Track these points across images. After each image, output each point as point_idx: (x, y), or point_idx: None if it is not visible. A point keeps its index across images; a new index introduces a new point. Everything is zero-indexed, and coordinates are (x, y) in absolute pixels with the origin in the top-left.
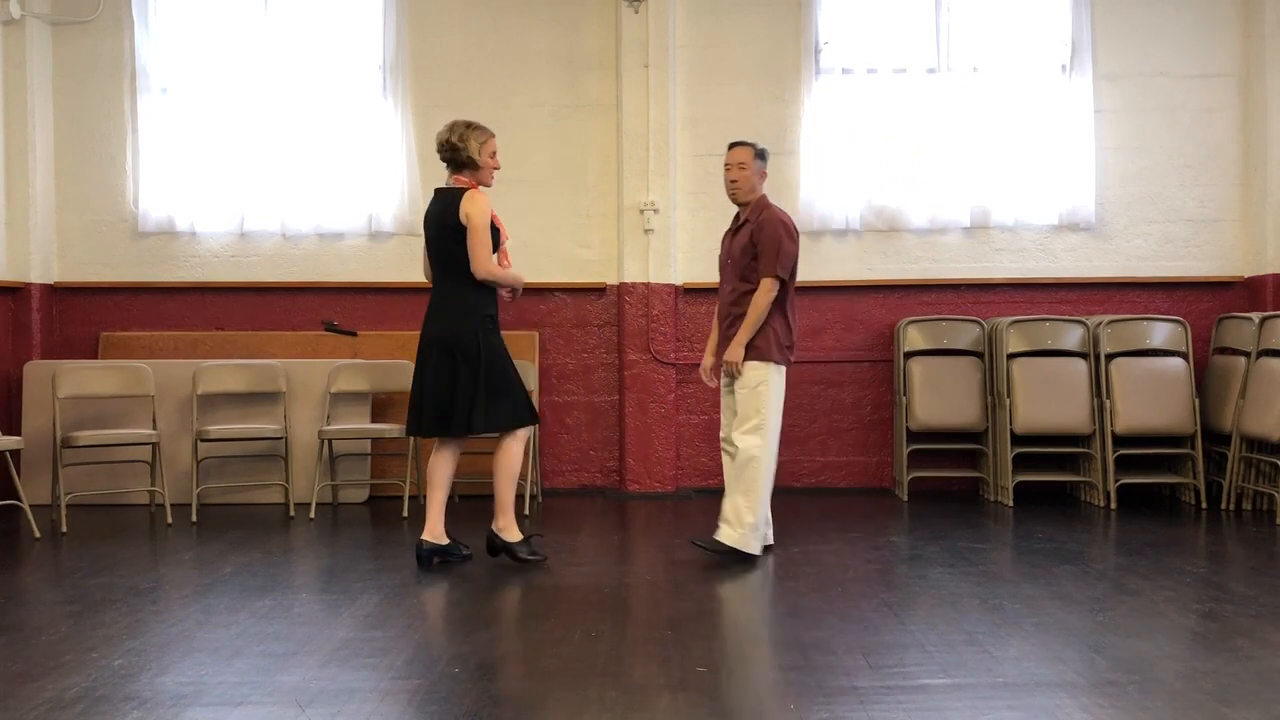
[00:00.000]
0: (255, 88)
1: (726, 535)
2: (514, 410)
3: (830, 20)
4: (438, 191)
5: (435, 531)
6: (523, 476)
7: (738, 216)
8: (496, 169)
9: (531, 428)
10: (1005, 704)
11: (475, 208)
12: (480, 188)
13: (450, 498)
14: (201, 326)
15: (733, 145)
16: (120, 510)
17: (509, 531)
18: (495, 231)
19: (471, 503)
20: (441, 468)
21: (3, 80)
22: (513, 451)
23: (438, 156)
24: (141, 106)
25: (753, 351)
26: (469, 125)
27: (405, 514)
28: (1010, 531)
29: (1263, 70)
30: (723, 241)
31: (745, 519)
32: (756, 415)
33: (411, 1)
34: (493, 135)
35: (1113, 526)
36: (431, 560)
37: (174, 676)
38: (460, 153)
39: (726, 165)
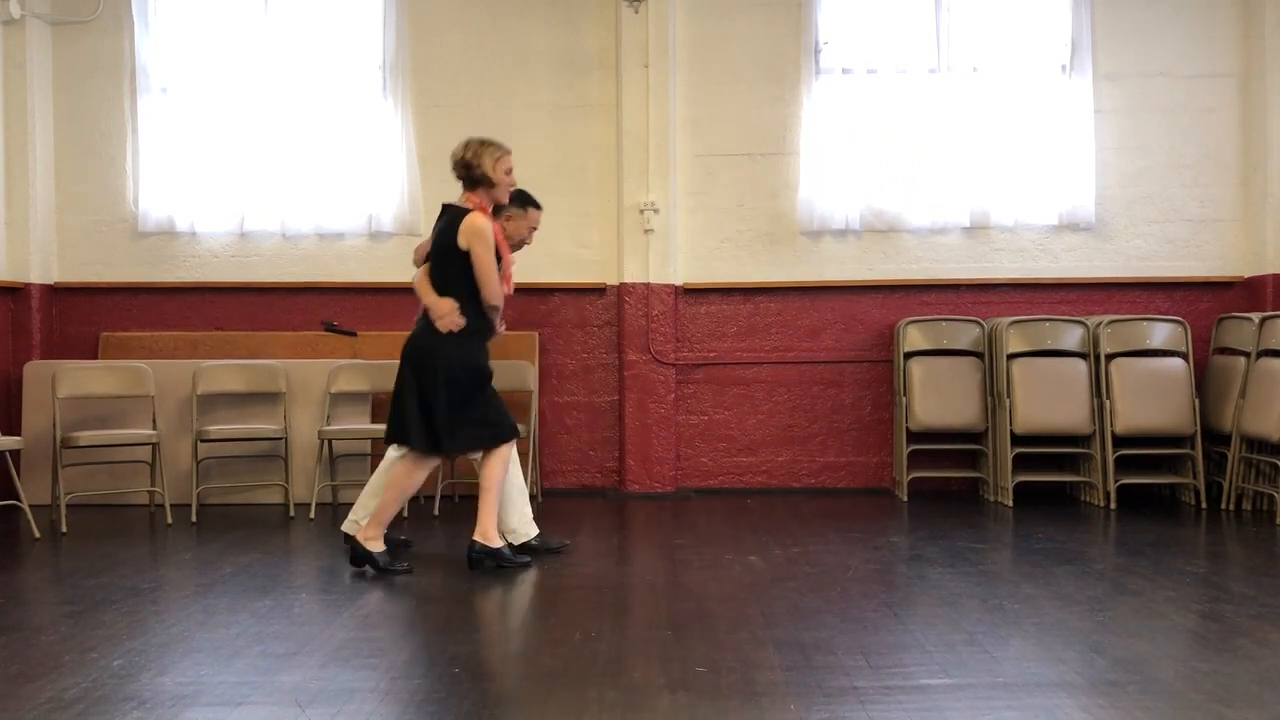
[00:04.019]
0: (255, 88)
1: None
2: (487, 433)
3: (830, 20)
4: (445, 207)
5: (487, 534)
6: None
7: None
8: (513, 186)
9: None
10: (1005, 704)
11: (478, 238)
12: (490, 206)
13: (449, 498)
14: (201, 326)
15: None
16: (120, 510)
17: (490, 539)
18: (498, 256)
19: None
20: (491, 467)
21: (3, 80)
22: (493, 466)
23: (436, 161)
24: (141, 106)
25: None
26: (483, 143)
27: (405, 514)
28: (1010, 531)
29: (1263, 70)
30: None
31: None
32: None
33: (411, 1)
34: (508, 152)
35: (1113, 526)
36: (482, 564)
37: (174, 676)
38: (474, 170)
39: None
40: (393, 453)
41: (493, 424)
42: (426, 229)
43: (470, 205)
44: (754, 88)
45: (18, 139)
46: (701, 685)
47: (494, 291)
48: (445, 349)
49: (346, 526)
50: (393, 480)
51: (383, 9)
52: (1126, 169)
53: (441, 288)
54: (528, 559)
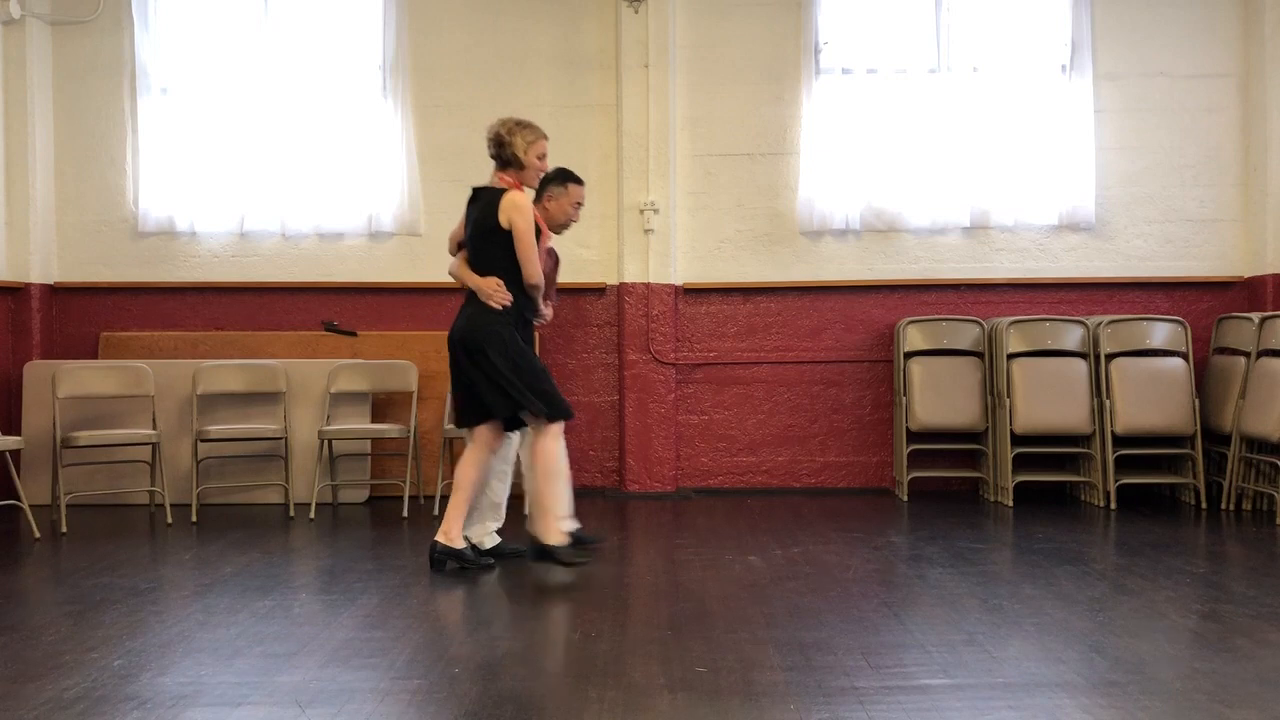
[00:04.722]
0: (255, 88)
1: None
2: (543, 399)
3: (830, 20)
4: (477, 190)
5: (450, 534)
6: (521, 476)
7: None
8: (543, 172)
9: (562, 422)
10: (1005, 704)
11: (519, 214)
12: (523, 187)
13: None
14: (201, 326)
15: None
16: (120, 510)
17: (550, 535)
18: (537, 233)
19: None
20: (465, 468)
21: (3, 80)
22: (547, 448)
23: (436, 161)
24: (141, 106)
25: None
26: (519, 123)
27: (405, 514)
28: (1010, 531)
29: (1263, 70)
30: None
31: None
32: None
33: (411, 1)
34: (544, 137)
35: (1113, 526)
36: (444, 565)
37: (174, 676)
38: (505, 149)
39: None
40: (470, 448)
41: (552, 397)
42: (426, 229)
43: (504, 185)
44: (754, 88)
45: (18, 139)
46: (701, 685)
47: (535, 270)
48: (495, 328)
49: (473, 535)
50: (535, 469)
51: (383, 9)
52: (1126, 169)
53: (482, 271)
54: (491, 561)
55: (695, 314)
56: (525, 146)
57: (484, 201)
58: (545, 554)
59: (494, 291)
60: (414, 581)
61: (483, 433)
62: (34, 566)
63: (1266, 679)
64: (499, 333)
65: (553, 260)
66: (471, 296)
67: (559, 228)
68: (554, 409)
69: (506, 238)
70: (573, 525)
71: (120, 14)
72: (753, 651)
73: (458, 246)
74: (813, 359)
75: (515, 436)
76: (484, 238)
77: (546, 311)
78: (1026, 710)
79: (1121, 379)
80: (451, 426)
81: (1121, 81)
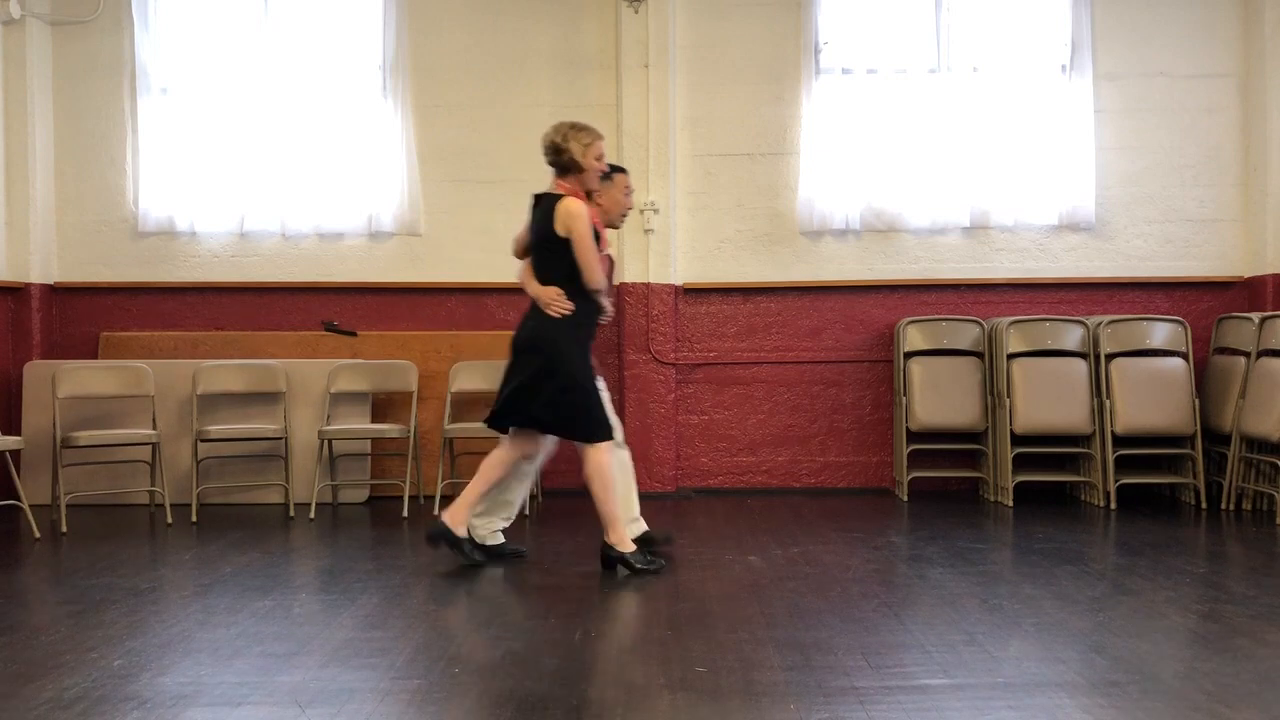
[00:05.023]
0: (255, 88)
1: None
2: (587, 421)
3: (830, 20)
4: (537, 197)
5: (456, 518)
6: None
7: None
8: (603, 172)
9: (609, 442)
10: (1005, 704)
11: (575, 220)
12: (582, 192)
13: (449, 498)
14: (201, 326)
15: None
16: (120, 510)
17: (622, 544)
18: (596, 237)
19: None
20: (492, 466)
21: (3, 80)
22: (597, 462)
23: (436, 161)
24: (141, 106)
25: None
26: (574, 126)
27: (405, 514)
28: (1010, 531)
29: (1263, 70)
30: None
31: None
32: None
33: (411, 1)
34: (600, 137)
35: (1113, 526)
36: (438, 542)
37: (174, 676)
38: (563, 154)
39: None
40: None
41: (599, 418)
42: (426, 229)
43: (562, 191)
44: (754, 88)
45: (18, 139)
46: (701, 685)
47: (596, 275)
48: (561, 343)
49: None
50: (590, 484)
51: (383, 9)
52: (1126, 169)
53: (544, 278)
54: (483, 558)
55: (695, 314)
56: (583, 149)
57: (543, 209)
58: (620, 562)
59: (553, 301)
60: (414, 581)
61: (519, 436)
62: (34, 566)
63: (1266, 679)
64: (564, 348)
65: (609, 263)
66: (536, 308)
67: (619, 219)
68: (600, 433)
69: (565, 245)
70: (640, 528)
71: (120, 14)
72: (753, 651)
73: (523, 251)
74: (813, 359)
75: (549, 442)
76: (543, 246)
77: (609, 308)
78: (1026, 710)
79: (1121, 379)
80: (452, 426)
81: (1121, 81)
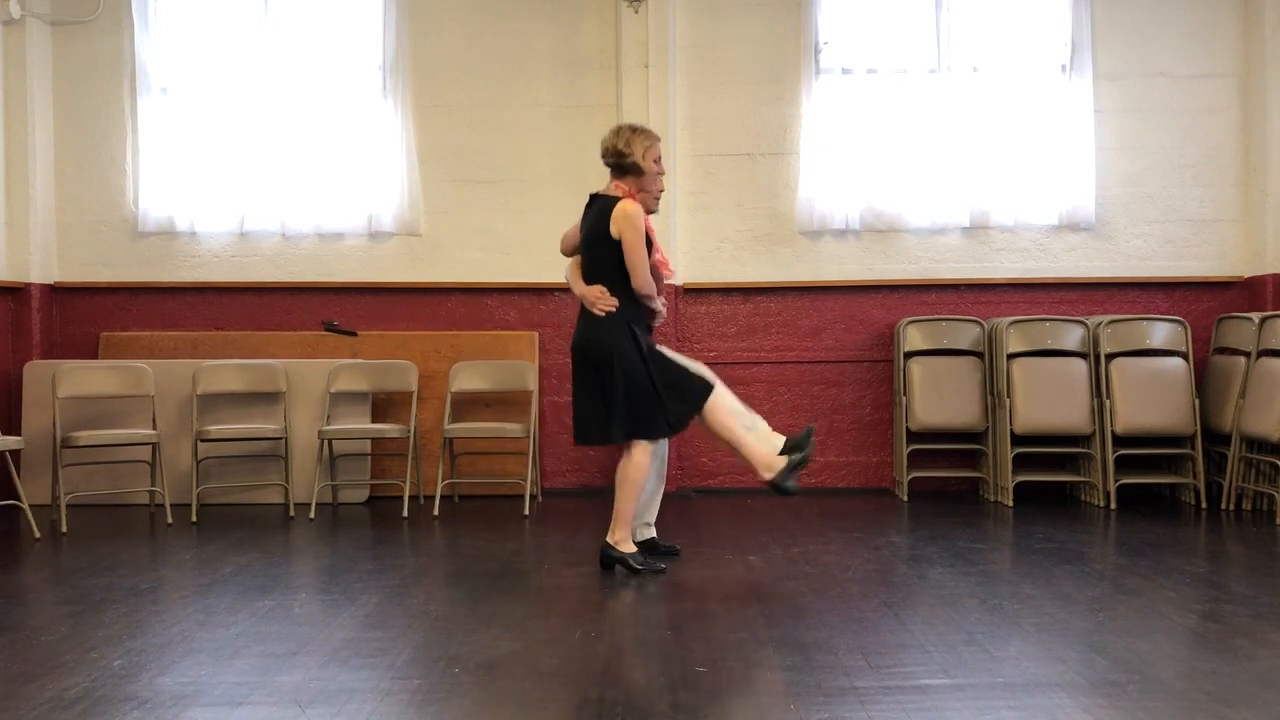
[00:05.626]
0: (255, 88)
1: None
2: (648, 420)
3: (830, 20)
4: (593, 197)
5: (618, 538)
6: (521, 476)
7: None
8: (661, 174)
9: (657, 441)
10: (1005, 704)
11: (629, 225)
12: (638, 194)
13: (449, 498)
14: (201, 326)
15: None
16: (120, 510)
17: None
18: (648, 242)
19: (472, 504)
20: (630, 470)
21: (3, 80)
22: (638, 462)
23: (436, 161)
24: (141, 106)
25: None
26: (634, 130)
27: (405, 514)
28: (1010, 531)
29: (1263, 70)
30: None
31: None
32: None
33: (411, 1)
34: (658, 139)
35: (1113, 526)
36: (613, 568)
37: (174, 676)
38: (625, 158)
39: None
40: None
41: (652, 416)
42: (427, 229)
43: (619, 193)
44: (754, 88)
45: (18, 139)
46: (701, 685)
47: (644, 279)
48: (615, 344)
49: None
50: (618, 478)
51: (383, 9)
52: (1126, 169)
53: (591, 276)
54: (664, 566)
55: (695, 314)
56: (643, 152)
57: (598, 209)
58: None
59: (597, 299)
60: (414, 581)
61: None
62: (34, 566)
63: (1266, 679)
64: (616, 359)
65: (664, 266)
66: (587, 310)
67: (656, 197)
68: (654, 432)
69: (617, 246)
70: (650, 534)
71: (120, 14)
72: (753, 651)
73: (572, 249)
74: (813, 359)
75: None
76: (595, 245)
77: (661, 309)
78: (1026, 710)
79: (1121, 379)
80: (452, 426)
81: (1121, 81)
